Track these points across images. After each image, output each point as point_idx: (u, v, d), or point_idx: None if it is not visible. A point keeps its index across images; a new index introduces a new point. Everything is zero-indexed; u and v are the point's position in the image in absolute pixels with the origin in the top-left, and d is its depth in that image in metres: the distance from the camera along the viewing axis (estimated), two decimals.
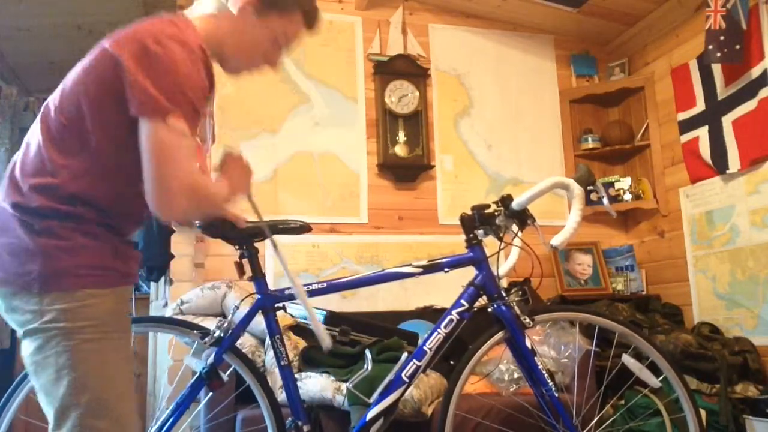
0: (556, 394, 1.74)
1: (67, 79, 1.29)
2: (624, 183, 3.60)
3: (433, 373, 2.45)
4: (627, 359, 1.96)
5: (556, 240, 1.71)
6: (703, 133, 3.20)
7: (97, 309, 1.21)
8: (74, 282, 1.20)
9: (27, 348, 1.22)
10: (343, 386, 2.22)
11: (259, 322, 2.56)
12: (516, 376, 2.53)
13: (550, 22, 3.75)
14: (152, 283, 3.41)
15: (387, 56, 3.54)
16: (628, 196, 3.58)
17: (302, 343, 2.60)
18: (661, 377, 1.90)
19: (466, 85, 3.69)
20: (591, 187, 1.94)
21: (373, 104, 3.50)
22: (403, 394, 1.74)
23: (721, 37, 2.86)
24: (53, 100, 1.28)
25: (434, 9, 3.71)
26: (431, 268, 1.82)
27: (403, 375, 1.75)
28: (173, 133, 1.17)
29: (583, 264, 3.57)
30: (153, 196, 1.19)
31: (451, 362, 2.48)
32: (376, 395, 1.75)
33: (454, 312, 1.79)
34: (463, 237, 1.85)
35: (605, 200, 2.01)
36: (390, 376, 1.75)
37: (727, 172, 3.04)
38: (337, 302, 3.14)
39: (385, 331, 2.65)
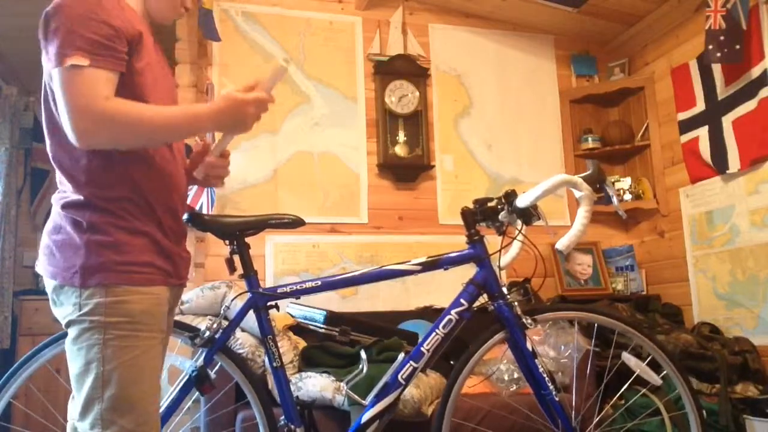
0: (556, 397, 1.70)
1: None
2: (624, 183, 3.60)
3: (433, 373, 2.45)
4: (627, 357, 1.92)
5: (561, 243, 1.65)
6: (703, 133, 3.20)
7: (133, 306, 1.24)
8: (113, 277, 1.23)
9: (67, 339, 1.25)
10: (344, 386, 2.21)
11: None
12: (516, 375, 2.53)
13: (550, 22, 3.75)
14: None
15: (387, 56, 3.54)
16: (628, 196, 3.58)
17: (302, 343, 2.60)
18: (661, 374, 1.87)
19: (466, 85, 3.68)
20: (600, 186, 1.83)
21: (373, 104, 3.50)
22: (399, 396, 1.70)
23: (721, 37, 2.86)
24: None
25: (434, 9, 3.71)
26: (430, 265, 1.76)
27: (399, 377, 1.70)
28: (72, 70, 1.17)
29: (583, 264, 3.57)
30: (67, 128, 1.18)
31: (451, 362, 2.48)
32: (371, 397, 1.71)
33: (453, 311, 1.73)
34: (464, 237, 1.80)
35: (615, 200, 1.94)
36: (386, 378, 1.70)
37: (727, 172, 3.04)
38: (337, 302, 3.14)
39: (385, 331, 2.65)
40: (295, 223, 1.76)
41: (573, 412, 1.85)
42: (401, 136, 3.46)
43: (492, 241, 1.79)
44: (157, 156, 1.33)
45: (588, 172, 1.78)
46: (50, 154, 1.30)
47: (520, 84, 3.78)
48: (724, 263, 3.09)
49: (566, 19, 3.68)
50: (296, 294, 1.72)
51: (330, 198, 3.36)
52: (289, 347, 2.50)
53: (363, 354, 1.76)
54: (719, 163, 3.08)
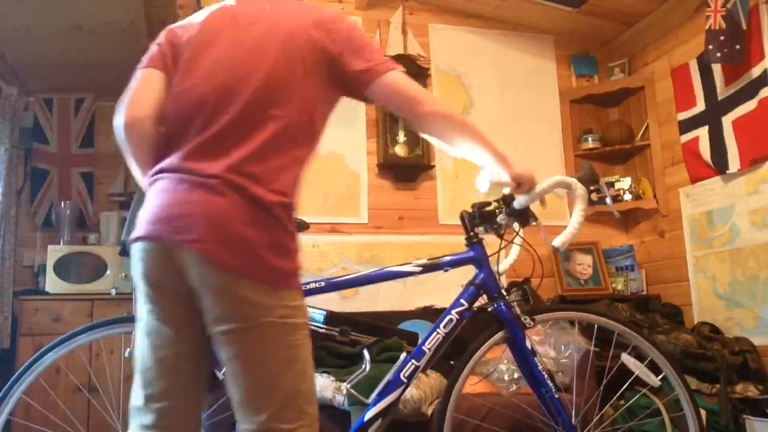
0: (556, 395, 1.73)
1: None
2: (624, 183, 3.60)
3: (433, 373, 2.45)
4: (626, 358, 1.95)
5: (558, 241, 1.68)
6: (703, 133, 3.20)
7: (305, 306, 1.32)
8: (299, 282, 1.30)
9: (248, 339, 1.23)
10: (343, 386, 2.21)
11: None
12: (516, 375, 2.53)
13: (550, 22, 3.75)
14: None
15: (387, 56, 3.53)
16: (628, 196, 3.58)
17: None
18: (660, 376, 1.89)
19: (466, 85, 3.68)
20: (594, 187, 1.89)
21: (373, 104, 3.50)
22: (401, 394, 1.72)
23: (721, 37, 2.86)
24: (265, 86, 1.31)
25: (434, 9, 3.71)
26: (431, 267, 1.80)
27: (401, 375, 1.72)
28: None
29: (583, 264, 3.57)
30: (417, 111, 1.42)
31: (452, 362, 2.48)
32: (374, 395, 1.73)
33: (453, 312, 1.77)
34: (464, 237, 1.83)
35: (608, 200, 1.99)
36: (388, 377, 1.73)
37: (727, 172, 3.04)
38: (337, 302, 3.14)
39: (385, 331, 2.65)
40: (299, 228, 1.80)
41: (573, 411, 1.86)
42: (401, 136, 3.46)
43: (491, 242, 1.82)
44: None
45: (581, 173, 1.82)
46: (291, 152, 1.31)
47: (520, 84, 3.78)
48: (724, 263, 3.09)
49: (566, 19, 3.68)
50: None
51: (330, 198, 3.36)
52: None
53: (366, 354, 1.79)
54: (719, 163, 3.08)
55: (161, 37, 1.44)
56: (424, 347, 1.74)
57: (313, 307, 2.69)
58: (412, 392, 2.20)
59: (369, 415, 1.69)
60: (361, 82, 1.38)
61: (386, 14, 3.62)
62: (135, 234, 1.27)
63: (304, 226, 1.82)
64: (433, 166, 3.51)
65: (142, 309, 1.30)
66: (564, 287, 3.47)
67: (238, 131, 1.26)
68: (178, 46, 1.40)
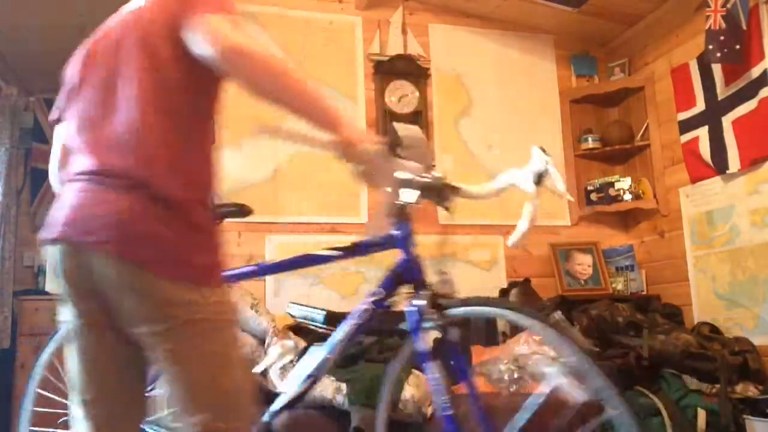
0: (447, 411, 1.42)
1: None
2: (624, 183, 3.60)
3: None
4: (540, 364, 1.69)
5: (510, 240, 1.59)
6: (703, 133, 3.20)
7: (232, 303, 1.29)
8: (220, 277, 1.26)
9: (176, 339, 1.18)
10: (344, 386, 2.21)
11: (259, 321, 2.53)
12: (516, 376, 2.53)
13: (550, 22, 3.75)
14: None
15: (387, 56, 3.53)
16: (628, 196, 3.58)
17: (302, 343, 2.60)
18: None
19: (466, 85, 3.68)
20: (543, 169, 1.72)
21: (373, 104, 3.50)
22: (310, 386, 1.60)
23: (721, 37, 2.86)
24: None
25: (434, 9, 3.71)
26: (351, 250, 1.69)
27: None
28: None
29: (583, 264, 3.56)
30: (208, 49, 1.20)
31: (452, 362, 2.48)
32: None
33: (369, 301, 1.62)
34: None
35: (560, 185, 1.76)
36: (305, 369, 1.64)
37: (727, 172, 3.04)
38: (337, 302, 3.14)
39: (385, 331, 2.65)
40: (242, 213, 1.75)
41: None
42: None
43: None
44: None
45: (532, 164, 1.70)
46: (188, 141, 1.26)
47: (520, 84, 3.77)
48: (724, 263, 3.09)
49: (566, 19, 3.68)
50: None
51: (330, 198, 3.36)
52: (289, 347, 2.50)
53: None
54: (719, 163, 3.08)
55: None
56: (334, 339, 1.60)
57: (313, 307, 2.70)
58: (412, 393, 2.20)
59: (275, 406, 1.60)
60: (184, 34, 1.23)
61: (386, 14, 3.62)
62: (47, 235, 1.22)
63: (247, 211, 1.75)
64: (433, 166, 3.50)
65: (66, 312, 1.24)
66: (564, 287, 3.47)
67: (131, 129, 1.22)
68: (66, 85, 1.46)
